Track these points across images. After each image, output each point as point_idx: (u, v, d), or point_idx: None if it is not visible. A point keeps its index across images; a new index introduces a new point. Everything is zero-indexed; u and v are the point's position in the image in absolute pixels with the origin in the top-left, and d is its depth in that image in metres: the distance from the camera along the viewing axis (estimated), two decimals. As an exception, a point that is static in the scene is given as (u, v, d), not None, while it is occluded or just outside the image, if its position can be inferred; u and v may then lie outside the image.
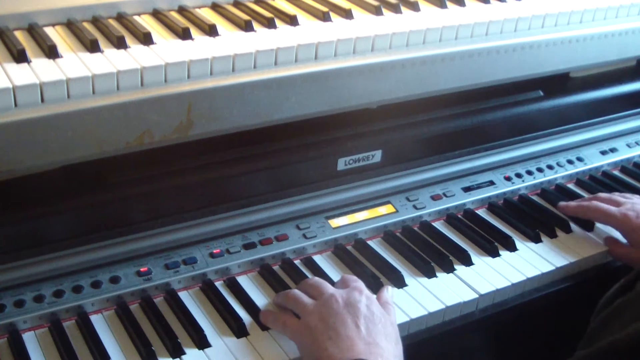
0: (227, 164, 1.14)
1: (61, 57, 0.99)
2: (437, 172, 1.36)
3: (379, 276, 1.16)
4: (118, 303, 1.07)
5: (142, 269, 1.09)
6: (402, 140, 1.29)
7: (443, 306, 1.11)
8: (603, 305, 0.92)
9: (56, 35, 1.07)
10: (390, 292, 1.09)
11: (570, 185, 1.46)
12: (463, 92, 1.29)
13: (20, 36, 1.05)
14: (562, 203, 1.34)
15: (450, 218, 1.32)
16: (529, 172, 1.44)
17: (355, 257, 1.21)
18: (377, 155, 1.27)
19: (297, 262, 1.19)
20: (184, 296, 1.10)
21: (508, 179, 1.41)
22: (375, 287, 1.13)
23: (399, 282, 1.15)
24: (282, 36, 1.11)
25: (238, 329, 1.04)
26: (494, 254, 1.24)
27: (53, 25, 1.11)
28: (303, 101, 1.09)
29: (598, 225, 1.31)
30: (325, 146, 1.22)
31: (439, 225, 1.31)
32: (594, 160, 1.51)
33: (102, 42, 1.03)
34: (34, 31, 1.06)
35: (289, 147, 1.19)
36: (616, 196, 1.31)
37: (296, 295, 1.04)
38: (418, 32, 1.17)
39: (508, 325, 1.22)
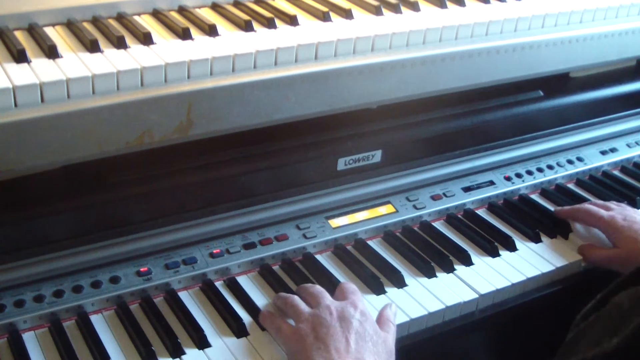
0: (227, 164, 1.14)
1: (61, 57, 0.99)
2: (437, 172, 1.36)
3: (379, 276, 1.16)
4: (118, 303, 1.07)
5: (142, 269, 1.09)
6: (402, 140, 1.29)
7: (443, 306, 1.11)
8: (579, 319, 0.92)
9: (56, 35, 1.07)
10: (393, 309, 1.07)
11: (570, 185, 1.46)
12: (463, 92, 1.29)
13: (20, 36, 1.05)
14: (558, 208, 1.35)
15: (450, 218, 1.32)
16: (529, 172, 1.44)
17: (355, 257, 1.21)
18: (377, 155, 1.27)
19: (297, 262, 1.19)
20: (184, 296, 1.10)
21: (508, 179, 1.41)
22: (375, 287, 1.13)
23: (399, 282, 1.15)
24: (282, 36, 1.11)
25: (238, 329, 1.04)
26: (494, 254, 1.24)
27: (53, 25, 1.11)
28: (303, 101, 1.09)
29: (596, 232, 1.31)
30: (325, 146, 1.22)
31: (439, 225, 1.31)
32: (594, 160, 1.51)
33: (102, 42, 1.03)
34: (34, 31, 1.06)
35: (289, 147, 1.19)
36: (610, 204, 1.32)
37: (294, 301, 1.05)
38: (418, 32, 1.17)
39: (508, 325, 1.22)
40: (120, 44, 1.03)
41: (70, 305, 1.03)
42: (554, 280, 1.22)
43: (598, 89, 1.50)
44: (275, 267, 1.17)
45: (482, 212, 1.36)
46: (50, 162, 0.96)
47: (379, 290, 1.13)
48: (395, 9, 1.24)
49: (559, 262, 1.23)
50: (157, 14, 1.17)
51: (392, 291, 1.14)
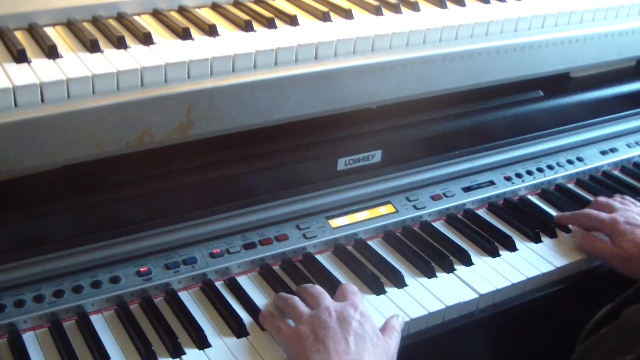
0: (227, 164, 1.14)
1: (61, 57, 0.99)
2: (437, 172, 1.36)
3: (379, 276, 1.16)
4: (118, 303, 1.07)
5: (142, 269, 1.09)
6: (402, 140, 1.29)
7: (443, 306, 1.11)
8: (590, 330, 0.91)
9: (56, 35, 1.07)
10: (400, 320, 1.06)
11: (570, 186, 1.46)
12: (463, 92, 1.29)
13: (20, 36, 1.05)
14: (558, 214, 1.34)
15: (450, 218, 1.32)
16: (529, 172, 1.44)
17: (355, 257, 1.21)
18: (377, 155, 1.27)
19: (297, 262, 1.19)
20: (184, 296, 1.10)
21: (508, 179, 1.41)
22: (375, 287, 1.13)
23: (399, 282, 1.15)
24: (282, 36, 1.11)
25: (238, 329, 1.04)
26: (494, 254, 1.24)
27: (53, 25, 1.11)
28: (303, 101, 1.09)
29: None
30: (325, 146, 1.22)
31: (439, 225, 1.31)
32: (594, 160, 1.51)
33: (102, 42, 1.03)
34: (34, 31, 1.06)
35: (289, 147, 1.19)
36: (614, 201, 1.31)
37: (294, 302, 1.05)
38: (418, 32, 1.17)
39: (508, 325, 1.22)
40: (120, 44, 1.03)
41: (70, 305, 1.03)
42: (554, 280, 1.22)
43: (598, 89, 1.50)
44: (275, 267, 1.17)
45: (482, 212, 1.36)
46: (50, 162, 0.95)
47: (379, 290, 1.13)
48: (395, 9, 1.24)
49: (559, 262, 1.23)
50: (157, 14, 1.17)
51: (392, 291, 1.14)
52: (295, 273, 1.15)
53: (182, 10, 1.20)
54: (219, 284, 1.13)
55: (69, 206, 1.04)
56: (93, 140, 0.96)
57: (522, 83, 1.36)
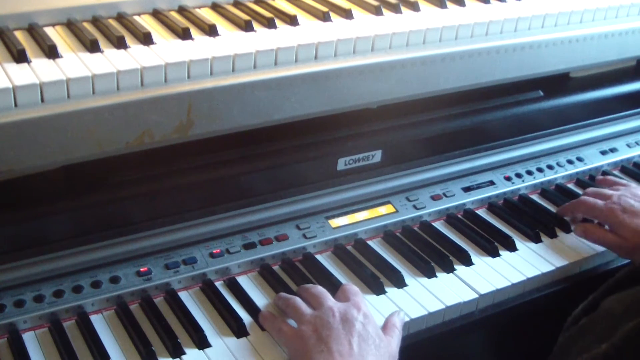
0: (227, 164, 1.14)
1: (61, 57, 0.99)
2: (437, 172, 1.36)
3: (379, 276, 1.16)
4: (118, 303, 1.07)
5: (142, 269, 1.09)
6: (402, 140, 1.29)
7: (443, 306, 1.11)
8: (570, 322, 0.92)
9: (56, 35, 1.07)
10: (401, 316, 1.07)
11: (570, 185, 1.46)
12: (463, 92, 1.29)
13: (20, 36, 1.05)
14: (559, 209, 1.34)
15: (450, 218, 1.32)
16: (529, 172, 1.44)
17: (355, 257, 1.21)
18: (377, 155, 1.27)
19: (297, 262, 1.19)
20: (184, 296, 1.10)
21: (508, 179, 1.41)
22: (375, 287, 1.13)
23: (399, 282, 1.15)
24: (282, 36, 1.11)
25: (238, 329, 1.04)
26: (494, 254, 1.24)
27: (53, 25, 1.11)
28: (303, 101, 1.09)
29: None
30: (325, 146, 1.22)
31: (439, 225, 1.31)
32: (594, 160, 1.51)
33: (102, 42, 1.03)
34: (34, 31, 1.06)
35: (289, 147, 1.19)
36: (604, 190, 1.32)
37: (296, 303, 1.05)
38: (418, 32, 1.17)
39: (508, 325, 1.22)
40: (120, 44, 1.03)
41: (70, 305, 1.03)
42: (554, 280, 1.22)
43: (598, 89, 1.50)
44: (276, 267, 1.17)
45: (482, 212, 1.36)
46: (50, 162, 0.95)
47: (379, 290, 1.13)
48: (395, 9, 1.24)
49: (559, 262, 1.23)
50: (157, 14, 1.17)
51: (392, 291, 1.14)
52: (295, 273, 1.15)
53: (182, 10, 1.20)
54: (219, 284, 1.13)
55: (69, 206, 1.04)
56: (93, 140, 0.96)
57: (522, 83, 1.36)
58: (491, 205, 1.37)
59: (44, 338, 1.01)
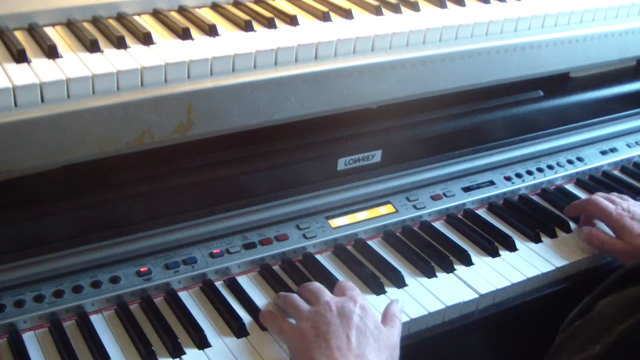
0: (227, 164, 1.14)
1: (61, 57, 0.99)
2: (437, 172, 1.36)
3: (379, 276, 1.16)
4: (118, 303, 1.07)
5: (142, 269, 1.09)
6: (402, 140, 1.29)
7: (443, 306, 1.11)
8: (566, 324, 0.92)
9: (56, 35, 1.07)
10: (400, 305, 1.07)
11: (570, 186, 1.46)
12: (463, 92, 1.29)
13: (20, 36, 1.05)
14: (567, 208, 1.34)
15: (450, 218, 1.32)
16: (529, 172, 1.44)
17: (355, 257, 1.21)
18: (377, 155, 1.27)
19: (297, 262, 1.19)
20: (184, 296, 1.10)
21: (508, 179, 1.41)
22: (375, 287, 1.13)
23: (399, 282, 1.15)
24: (282, 36, 1.11)
25: (238, 329, 1.04)
26: (494, 254, 1.24)
27: (53, 25, 1.11)
28: (303, 101, 1.09)
29: (599, 224, 1.31)
30: (325, 146, 1.22)
31: (439, 225, 1.31)
32: (594, 160, 1.51)
33: (102, 42, 1.03)
34: (34, 31, 1.06)
35: (289, 147, 1.19)
36: (613, 196, 1.32)
37: (294, 300, 1.05)
38: (418, 32, 1.17)
39: (508, 325, 1.22)
40: (120, 44, 1.03)
41: (70, 305, 1.03)
42: (554, 280, 1.22)
43: (598, 89, 1.50)
44: (275, 267, 1.17)
45: (482, 212, 1.36)
46: (50, 162, 0.95)
47: (379, 290, 1.13)
48: (395, 9, 1.24)
49: (559, 262, 1.23)
50: (157, 14, 1.17)
51: (392, 291, 1.14)
52: (295, 273, 1.15)
53: (182, 10, 1.20)
54: (218, 284, 1.13)
55: (69, 206, 1.04)
56: (93, 140, 0.96)
57: (522, 83, 1.36)
58: (491, 205, 1.37)
59: (44, 338, 1.01)
